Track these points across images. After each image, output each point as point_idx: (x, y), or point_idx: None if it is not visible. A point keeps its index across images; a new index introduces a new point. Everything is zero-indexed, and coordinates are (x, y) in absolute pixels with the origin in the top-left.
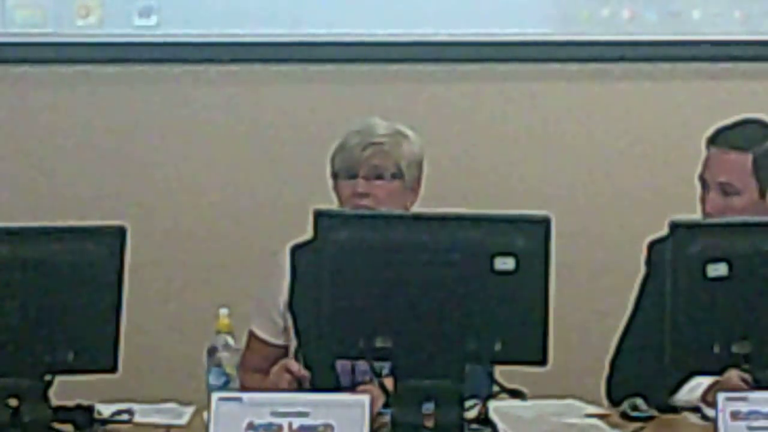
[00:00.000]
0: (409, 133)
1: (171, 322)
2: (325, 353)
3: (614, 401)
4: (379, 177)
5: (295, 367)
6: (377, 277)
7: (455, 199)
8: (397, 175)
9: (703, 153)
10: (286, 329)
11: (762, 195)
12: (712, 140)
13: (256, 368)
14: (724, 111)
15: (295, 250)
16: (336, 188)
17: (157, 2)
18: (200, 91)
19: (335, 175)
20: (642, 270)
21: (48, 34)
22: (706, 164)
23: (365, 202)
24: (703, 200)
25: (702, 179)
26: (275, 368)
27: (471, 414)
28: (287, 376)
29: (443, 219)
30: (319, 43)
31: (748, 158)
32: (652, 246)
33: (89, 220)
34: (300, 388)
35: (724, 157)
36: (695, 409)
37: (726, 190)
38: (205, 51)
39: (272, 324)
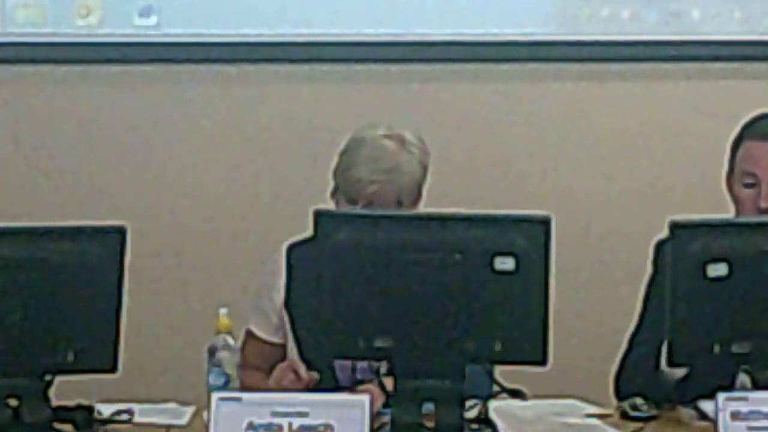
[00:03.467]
0: (414, 149)
1: (171, 322)
2: (325, 353)
3: (621, 398)
4: (380, 206)
5: (303, 370)
6: (377, 277)
7: (455, 199)
8: (396, 204)
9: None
10: (282, 327)
11: None
12: (755, 133)
13: (254, 366)
14: (724, 111)
15: (292, 248)
16: (335, 197)
17: (157, 2)
18: (200, 91)
19: (336, 186)
20: (642, 269)
21: (48, 34)
22: (747, 158)
23: None
24: (739, 199)
25: (748, 174)
26: (281, 365)
27: (471, 414)
28: (291, 376)
29: (443, 219)
30: (321, 43)
31: None
32: (659, 246)
33: (89, 220)
34: (306, 389)
35: None
36: (695, 409)
37: None
38: (205, 51)
39: (269, 322)
